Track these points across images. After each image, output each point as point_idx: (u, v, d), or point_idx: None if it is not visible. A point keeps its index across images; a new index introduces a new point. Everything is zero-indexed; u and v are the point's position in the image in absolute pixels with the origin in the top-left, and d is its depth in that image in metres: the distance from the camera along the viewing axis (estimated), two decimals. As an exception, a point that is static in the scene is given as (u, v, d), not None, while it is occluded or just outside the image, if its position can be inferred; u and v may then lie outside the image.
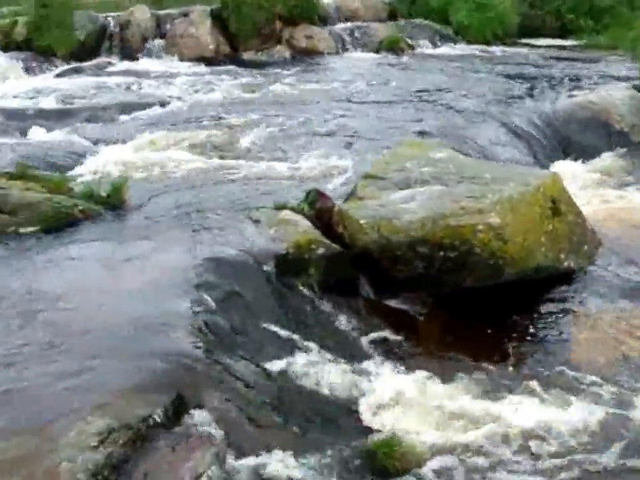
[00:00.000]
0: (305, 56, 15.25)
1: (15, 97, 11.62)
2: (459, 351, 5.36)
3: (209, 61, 14.39)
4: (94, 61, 14.33)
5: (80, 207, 6.31)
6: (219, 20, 15.12)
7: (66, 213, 6.24)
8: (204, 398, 4.22)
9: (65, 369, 4.31)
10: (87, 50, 14.51)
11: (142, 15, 15.03)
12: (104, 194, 6.57)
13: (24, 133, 9.36)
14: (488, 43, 16.23)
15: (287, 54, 15.28)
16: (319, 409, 4.67)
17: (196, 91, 11.74)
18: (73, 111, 10.49)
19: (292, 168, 7.90)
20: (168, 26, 15.11)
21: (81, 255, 5.82)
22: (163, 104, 10.76)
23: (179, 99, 11.14)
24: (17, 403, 4.05)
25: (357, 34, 16.24)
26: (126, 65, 14.31)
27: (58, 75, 13.45)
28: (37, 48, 14.14)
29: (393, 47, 15.66)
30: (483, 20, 16.41)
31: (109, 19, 15.11)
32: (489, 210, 5.74)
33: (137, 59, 14.68)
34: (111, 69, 13.98)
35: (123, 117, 10.12)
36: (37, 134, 9.28)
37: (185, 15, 15.18)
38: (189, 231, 6.14)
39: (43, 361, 4.40)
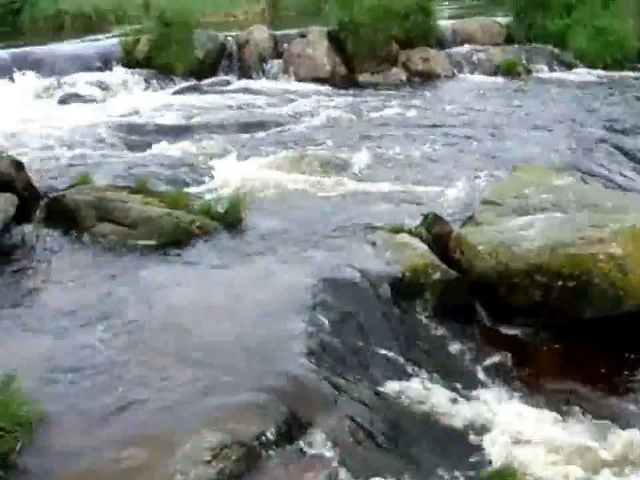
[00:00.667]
0: (420, 79, 15.25)
1: (135, 112, 11.93)
2: (576, 382, 5.25)
3: (325, 82, 14.47)
4: (212, 79, 14.57)
5: (197, 223, 6.42)
6: (335, 41, 15.21)
7: (184, 228, 6.35)
8: (317, 418, 4.23)
9: (180, 381, 4.38)
10: (205, 68, 14.77)
11: (260, 34, 15.25)
12: (221, 211, 6.67)
13: (144, 148, 9.58)
14: (607, 68, 15.91)
15: (403, 76, 15.28)
16: (432, 435, 4.63)
17: (311, 112, 11.83)
18: (191, 127, 10.70)
19: (406, 190, 7.90)
20: (285, 46, 15.25)
21: (197, 270, 5.92)
22: (279, 124, 10.88)
23: (294, 118, 11.25)
24: (134, 414, 4.13)
25: (473, 57, 16.14)
26: (243, 83, 14.51)
27: (176, 92, 13.73)
28: (157, 65, 14.47)
29: (510, 70, 15.51)
30: (603, 44, 16.11)
31: (228, 38, 15.36)
32: (610, 239, 5.61)
33: (254, 78, 14.87)
34: (228, 87, 14.19)
35: (240, 136, 10.26)
36: (157, 149, 9.47)
37: (303, 35, 15.32)
38: (304, 250, 6.19)
39: (159, 373, 4.49)
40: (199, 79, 14.52)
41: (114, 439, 3.93)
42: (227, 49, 15.22)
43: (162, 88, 14.02)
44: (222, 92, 13.72)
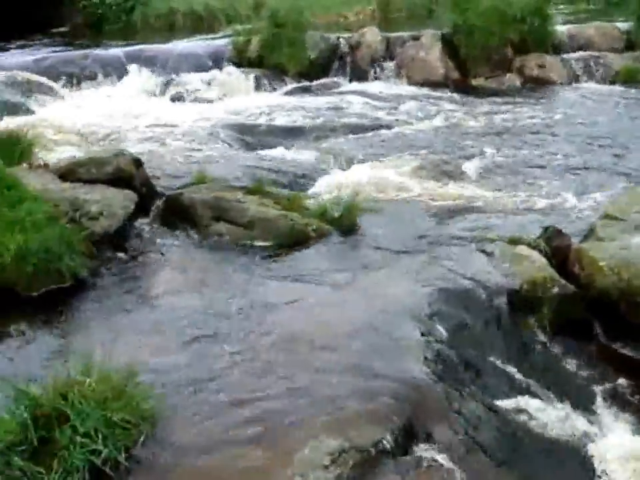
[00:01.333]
0: (535, 85, 15.06)
1: (247, 112, 12.15)
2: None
3: (437, 86, 14.44)
4: (323, 81, 14.70)
5: (313, 226, 6.53)
6: (449, 44, 15.17)
7: (299, 230, 6.46)
8: (433, 429, 4.26)
9: (296, 384, 4.46)
10: (316, 69, 14.91)
11: (373, 37, 15.31)
12: (336, 214, 6.75)
13: (257, 148, 9.76)
14: None
15: (517, 82, 15.14)
16: (546, 454, 4.62)
17: (424, 116, 11.87)
18: (303, 129, 10.84)
19: (522, 200, 7.87)
20: (398, 49, 15.28)
21: (312, 273, 6.01)
22: (390, 127, 10.94)
23: (407, 122, 11.30)
24: (252, 414, 4.22)
25: (590, 64, 15.88)
26: (354, 86, 14.59)
27: (287, 93, 13.92)
28: (268, 65, 14.68)
29: (629, 78, 15.19)
30: None
31: (340, 39, 15.47)
32: None
33: (366, 81, 14.92)
34: (339, 89, 14.30)
35: (352, 138, 10.36)
36: (269, 150, 9.63)
37: (416, 38, 15.33)
38: (418, 258, 6.22)
39: (276, 376, 4.58)
40: (310, 80, 14.67)
41: (232, 438, 4.04)
42: (338, 50, 15.32)
43: (273, 88, 14.22)
44: (333, 94, 13.84)
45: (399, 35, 15.72)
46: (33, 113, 12.17)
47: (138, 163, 6.98)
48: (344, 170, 8.64)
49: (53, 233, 5.83)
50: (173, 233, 6.75)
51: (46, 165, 7.07)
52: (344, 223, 6.73)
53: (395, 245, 6.49)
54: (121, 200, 6.45)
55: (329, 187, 7.99)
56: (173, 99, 13.22)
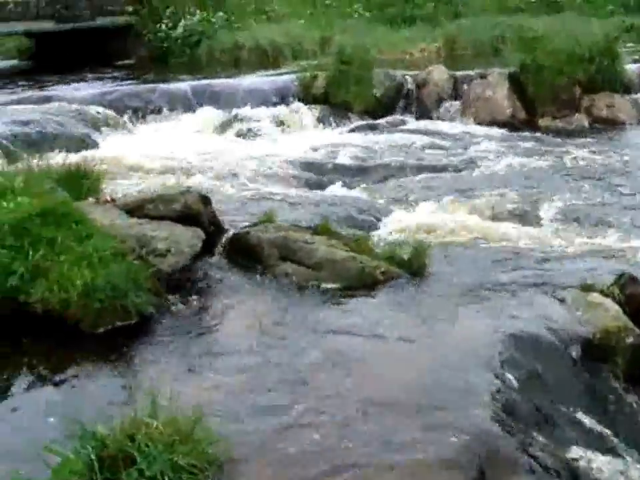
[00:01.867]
0: (604, 125, 14.93)
1: (312, 149, 12.20)
2: None
3: (504, 126, 14.36)
4: (388, 118, 14.71)
5: (382, 269, 6.49)
6: (516, 83, 15.11)
7: (368, 273, 6.43)
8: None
9: (361, 432, 4.42)
10: (382, 107, 14.93)
11: (440, 75, 15.32)
12: (405, 257, 6.71)
13: (322, 187, 9.78)
14: None
15: (585, 122, 15.02)
16: (623, 511, 4.52)
17: (491, 156, 11.78)
18: (369, 168, 10.86)
19: (594, 245, 7.76)
20: (465, 87, 15.25)
21: (379, 317, 5.97)
22: (457, 168, 10.90)
23: (473, 163, 11.24)
24: (317, 461, 4.19)
25: (662, 104, 15.71)
26: (420, 124, 14.58)
27: (352, 130, 13.96)
28: (334, 102, 14.74)
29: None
30: None
31: (406, 77, 15.49)
32: None
33: (432, 119, 14.90)
34: (404, 127, 14.30)
35: (418, 178, 10.34)
36: (334, 189, 9.65)
37: (483, 76, 15.31)
38: (489, 303, 6.17)
39: (340, 422, 4.54)
40: (375, 117, 14.69)
41: (301, 484, 4.02)
42: (404, 88, 15.33)
43: (338, 125, 14.26)
44: (398, 132, 13.84)
45: (465, 73, 15.70)
46: (98, 146, 12.36)
47: (206, 200, 7.01)
48: (411, 211, 8.60)
49: (120, 270, 5.86)
50: (239, 272, 6.76)
51: (113, 200, 7.14)
52: (413, 265, 6.68)
53: (464, 290, 6.43)
54: (188, 237, 6.48)
55: (396, 228, 7.97)
56: (238, 135, 13.32)
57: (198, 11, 23.62)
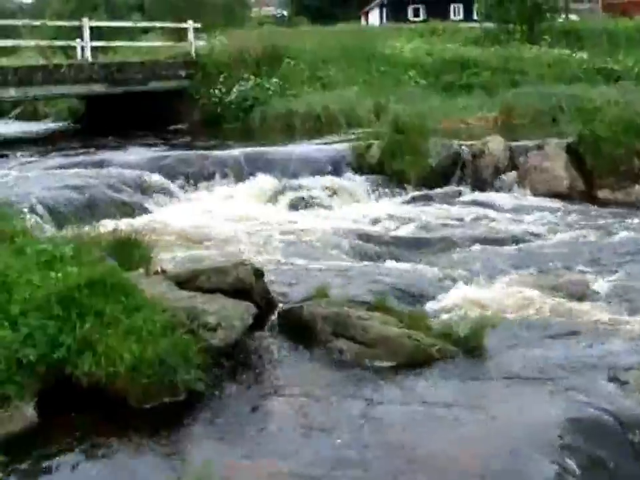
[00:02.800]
0: (665, 198, 14.73)
1: (367, 220, 12.18)
2: None
3: (562, 197, 14.25)
4: (444, 189, 14.65)
5: (438, 347, 6.42)
6: (574, 154, 15.01)
7: (424, 351, 6.37)
8: None
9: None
10: (437, 177, 14.89)
11: (496, 145, 15.28)
12: (462, 335, 6.63)
13: (376, 260, 9.72)
14: None
15: (645, 194, 14.82)
16: None
17: (549, 230, 11.65)
18: (424, 241, 10.78)
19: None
20: (521, 158, 15.18)
21: (434, 397, 5.91)
22: (515, 241, 10.78)
23: (532, 236, 11.12)
24: None
25: None
26: (476, 195, 14.51)
27: (407, 201, 13.91)
28: (388, 172, 14.73)
29: None
30: None
31: (462, 147, 15.46)
32: None
33: (488, 190, 14.82)
34: (460, 198, 14.23)
35: (474, 252, 10.23)
36: (390, 262, 9.58)
37: (540, 147, 15.24)
38: (548, 384, 6.08)
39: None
40: (431, 188, 14.63)
41: None
42: (460, 158, 15.28)
43: (393, 195, 14.22)
44: (454, 203, 13.78)
45: (522, 144, 15.64)
46: (149, 213, 12.45)
47: (258, 273, 7.00)
48: (467, 285, 8.50)
49: (169, 344, 5.85)
50: (291, 347, 6.73)
51: (164, 272, 7.16)
52: (470, 343, 6.61)
53: (523, 370, 6.34)
54: (239, 312, 6.46)
55: (452, 304, 7.86)
56: (291, 205, 13.32)
57: (252, 77, 23.95)
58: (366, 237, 10.80)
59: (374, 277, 8.67)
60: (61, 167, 14.81)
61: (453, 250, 10.30)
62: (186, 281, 6.87)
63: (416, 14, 59.84)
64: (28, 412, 5.57)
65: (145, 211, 12.48)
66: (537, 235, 11.17)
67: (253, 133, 21.69)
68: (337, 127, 20.70)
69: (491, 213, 12.77)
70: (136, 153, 16.50)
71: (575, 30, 32.88)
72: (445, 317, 7.42)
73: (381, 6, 62.97)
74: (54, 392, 5.76)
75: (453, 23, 43.93)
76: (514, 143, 15.57)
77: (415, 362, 6.33)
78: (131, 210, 12.26)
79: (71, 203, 11.87)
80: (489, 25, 32.99)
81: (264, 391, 6.08)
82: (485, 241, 10.71)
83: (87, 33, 22.97)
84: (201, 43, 26.35)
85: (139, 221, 11.51)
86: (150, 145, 18.46)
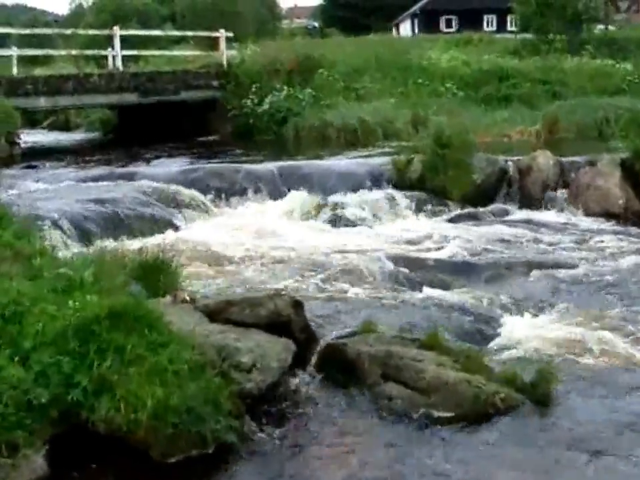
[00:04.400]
0: None
1: (410, 241, 11.39)
2: None
3: (617, 218, 13.27)
4: (490, 207, 13.81)
5: (501, 395, 5.64)
6: (629, 171, 14.04)
7: (485, 399, 5.59)
8: None
9: None
10: (482, 194, 14.05)
11: (545, 161, 14.39)
12: (527, 381, 5.85)
13: (422, 287, 8.94)
14: None
15: None
16: None
17: (608, 255, 10.73)
18: (474, 265, 9.95)
19: None
20: (572, 174, 14.28)
21: (496, 457, 5.22)
22: (569, 267, 9.90)
23: (587, 262, 10.20)
24: None
25: None
26: (525, 214, 13.65)
27: (451, 220, 13.10)
28: (430, 188, 13.92)
29: None
30: None
31: (508, 162, 14.58)
32: None
33: (537, 209, 13.93)
34: (508, 218, 13.39)
35: (532, 280, 9.38)
36: (438, 289, 8.79)
37: (592, 163, 14.32)
38: (625, 446, 5.35)
39: None
40: (475, 205, 13.81)
41: None
42: (506, 174, 14.41)
43: (435, 214, 13.41)
44: (502, 223, 12.92)
45: (572, 160, 14.73)
46: (177, 229, 11.76)
47: (297, 305, 6.26)
48: (525, 319, 7.72)
49: (198, 388, 5.15)
50: (334, 390, 6.00)
51: (192, 300, 6.43)
52: (537, 391, 5.84)
53: (596, 426, 5.59)
54: (277, 350, 5.72)
55: (511, 341, 7.09)
56: (329, 222, 12.57)
57: (285, 88, 23.27)
58: (410, 261, 9.98)
59: (421, 306, 7.96)
60: (90, 179, 14.21)
61: (505, 277, 9.46)
62: (216, 312, 6.16)
63: (448, 25, 59.04)
64: (37, 462, 4.86)
65: (174, 227, 11.80)
66: (596, 262, 10.24)
67: (286, 144, 21.00)
68: (374, 139, 19.97)
69: (543, 235, 11.88)
70: (167, 165, 15.87)
71: (618, 40, 31.97)
72: (504, 355, 6.66)
73: (413, 17, 62.23)
74: (67, 439, 5.06)
75: (487, 34, 43.14)
76: (563, 159, 14.68)
77: (476, 413, 5.57)
78: (159, 226, 11.60)
79: (97, 217, 11.24)
80: (526, 35, 32.19)
81: (303, 442, 5.36)
82: (539, 266, 9.83)
83: (117, 42, 22.46)
84: (233, 52, 25.67)
85: (167, 238, 10.85)
86: (181, 157, 17.75)
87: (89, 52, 23.85)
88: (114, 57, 22.73)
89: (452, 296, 8.49)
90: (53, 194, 12.81)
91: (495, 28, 54.97)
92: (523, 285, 9.12)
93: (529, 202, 14.11)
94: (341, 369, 6.12)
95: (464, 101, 24.56)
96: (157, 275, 7.15)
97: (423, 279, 9.22)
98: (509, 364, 6.32)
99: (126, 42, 23.46)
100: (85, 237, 10.60)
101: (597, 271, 9.81)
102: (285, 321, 6.09)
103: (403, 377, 5.80)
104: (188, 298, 6.44)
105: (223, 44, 24.93)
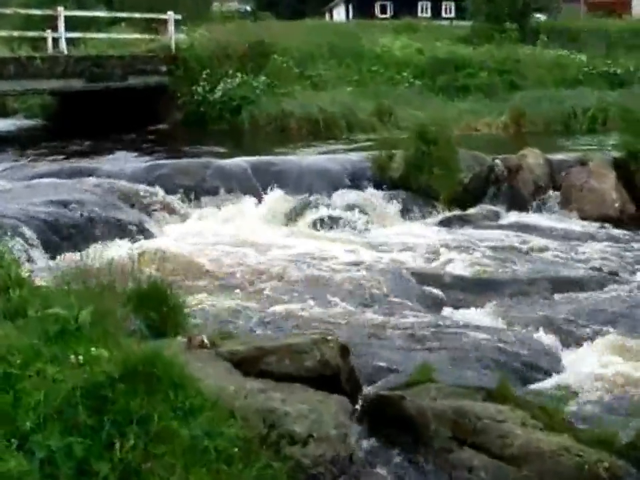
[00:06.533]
0: None
1: (403, 249, 10.35)
2: None
3: (613, 222, 12.39)
4: (478, 210, 12.81)
5: (605, 463, 4.62)
6: (623, 172, 13.16)
7: (590, 472, 4.57)
8: None
9: None
10: (469, 195, 13.06)
11: (534, 159, 13.42)
12: (626, 441, 4.87)
13: (438, 307, 7.97)
14: None
15: None
16: None
17: (618, 267, 9.82)
18: (488, 282, 8.96)
19: None
20: (563, 174, 13.35)
21: None
22: (598, 284, 8.92)
23: (611, 276, 9.28)
24: None
25: None
26: (515, 217, 12.73)
27: (441, 223, 12.10)
28: (415, 188, 12.86)
29: None
30: None
31: (496, 161, 13.58)
32: None
33: (527, 211, 13.03)
34: (498, 221, 12.46)
35: (558, 298, 8.43)
36: (459, 312, 7.78)
37: (583, 163, 13.41)
38: None
39: None
40: (462, 207, 12.82)
41: None
42: (493, 173, 13.41)
43: (423, 216, 12.40)
44: (495, 227, 12.01)
45: (563, 159, 13.81)
46: (151, 235, 10.56)
47: (345, 352, 5.19)
48: (577, 349, 6.76)
49: (248, 476, 4.03)
50: (393, 454, 4.93)
51: (213, 344, 5.30)
52: (637, 454, 4.82)
53: None
54: (332, 412, 4.65)
55: (576, 381, 6.11)
56: (314, 226, 11.45)
57: (237, 74, 22.05)
58: (419, 275, 8.93)
59: (454, 333, 6.94)
60: (41, 175, 12.85)
61: (529, 295, 8.49)
62: (248, 362, 5.05)
63: (383, 10, 57.88)
64: None
65: (146, 232, 10.59)
66: (616, 275, 9.33)
67: (242, 135, 19.87)
68: (337, 131, 18.92)
69: (546, 242, 10.91)
70: (126, 160, 14.49)
71: (569, 29, 31.42)
72: (579, 403, 5.67)
73: (347, 2, 60.95)
74: None
75: (426, 20, 42.56)
76: (552, 157, 13.74)
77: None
78: (130, 232, 10.38)
79: (61, 223, 9.98)
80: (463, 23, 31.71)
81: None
82: (559, 283, 8.88)
83: (62, 23, 20.89)
84: (182, 36, 24.28)
85: (141, 247, 9.65)
86: (135, 149, 16.39)
87: (32, 34, 22.16)
88: (55, 40, 21.08)
89: (481, 318, 7.50)
90: (3, 195, 11.39)
91: (429, 15, 54.33)
92: (552, 305, 8.16)
93: (518, 203, 13.17)
94: (396, 425, 5.06)
95: (422, 90, 23.69)
96: (156, 305, 6.01)
97: (440, 297, 8.27)
98: (590, 416, 5.33)
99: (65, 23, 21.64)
100: (50, 247, 9.37)
101: (626, 289, 8.87)
102: (334, 372, 5.03)
103: (483, 442, 4.75)
104: (207, 342, 5.31)
105: (171, 27, 23.53)
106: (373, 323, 7.18)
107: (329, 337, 5.20)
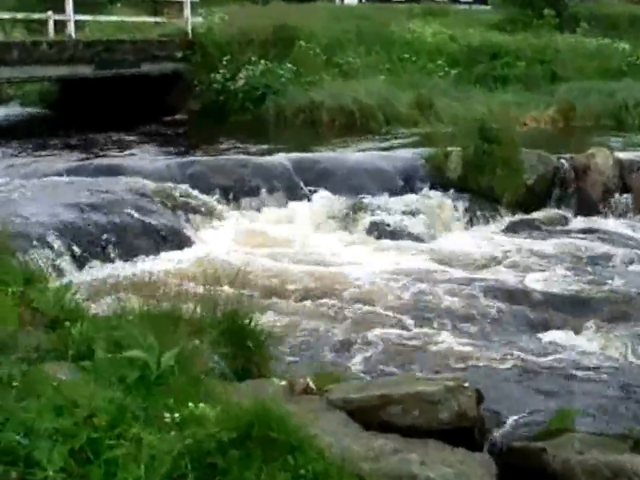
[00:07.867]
0: None
1: (480, 262, 9.71)
2: None
3: (694, 229, 11.76)
4: (544, 213, 12.22)
5: None
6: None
7: None
8: None
9: None
10: (534, 198, 12.45)
11: (604, 160, 12.76)
12: None
13: (536, 331, 7.35)
14: None
15: None
16: None
17: None
18: (586, 301, 8.33)
19: None
20: (634, 175, 12.72)
21: None
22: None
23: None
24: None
25: None
26: (584, 222, 12.13)
27: (507, 230, 11.50)
28: (473, 189, 12.24)
29: None
30: None
31: (562, 161, 12.96)
32: None
33: (596, 215, 12.44)
34: (568, 226, 11.86)
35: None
36: (555, 337, 7.18)
37: (657, 162, 12.80)
38: None
39: None
40: (526, 211, 12.23)
41: None
42: (559, 174, 12.79)
43: (487, 221, 11.80)
44: (563, 233, 11.42)
45: (631, 158, 13.17)
46: (192, 243, 9.92)
47: (479, 399, 4.60)
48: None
49: None
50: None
51: (321, 391, 4.69)
52: None
53: None
54: (479, 476, 4.05)
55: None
56: (370, 233, 10.80)
57: (261, 61, 21.36)
58: (506, 294, 8.33)
59: (570, 369, 6.32)
60: (59, 173, 12.08)
61: (633, 318, 7.85)
62: (367, 412, 4.46)
63: (398, -6, 57.22)
64: None
65: (187, 240, 9.94)
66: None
67: (268, 128, 19.09)
68: (375, 124, 18.21)
69: (630, 252, 10.26)
70: (147, 156, 13.83)
71: (610, 15, 30.65)
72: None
73: (359, -16, 60.17)
74: None
75: (444, 5, 41.77)
76: (622, 156, 13.10)
77: None
78: (170, 239, 9.74)
79: (91, 230, 9.29)
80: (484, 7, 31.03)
81: None
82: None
83: (70, 5, 20.08)
84: (199, 19, 23.54)
85: (186, 257, 9.04)
86: (155, 143, 15.77)
87: (37, 16, 21.41)
88: (60, 22, 20.15)
89: (585, 344, 6.90)
90: (21, 196, 10.61)
91: (447, -1, 53.59)
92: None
93: (586, 207, 12.54)
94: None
95: (458, 80, 22.99)
96: (237, 339, 5.41)
97: (538, 319, 7.66)
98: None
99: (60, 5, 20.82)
100: (81, 257, 8.75)
101: None
102: (470, 425, 4.45)
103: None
104: (313, 386, 4.71)
105: (187, 9, 22.82)
106: (480, 355, 6.57)
107: (465, 384, 4.60)
